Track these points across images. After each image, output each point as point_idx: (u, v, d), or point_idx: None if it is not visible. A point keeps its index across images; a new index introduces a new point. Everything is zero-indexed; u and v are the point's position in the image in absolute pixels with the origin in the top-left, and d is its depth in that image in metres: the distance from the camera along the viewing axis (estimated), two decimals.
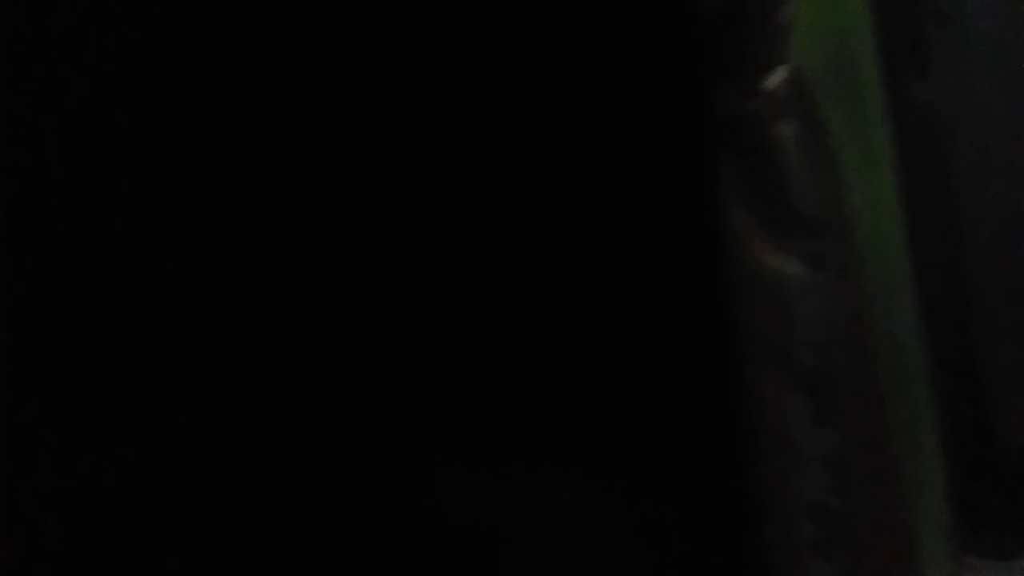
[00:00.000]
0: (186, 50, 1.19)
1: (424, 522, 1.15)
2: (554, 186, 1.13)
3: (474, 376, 1.14)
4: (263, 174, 1.18)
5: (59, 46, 1.20)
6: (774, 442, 1.11)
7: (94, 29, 1.19)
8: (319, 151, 1.18)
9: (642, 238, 1.12)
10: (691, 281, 1.12)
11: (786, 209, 1.11)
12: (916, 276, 1.69)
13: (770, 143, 1.11)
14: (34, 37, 1.20)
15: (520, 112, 1.13)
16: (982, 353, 1.91)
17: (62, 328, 1.21)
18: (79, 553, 1.21)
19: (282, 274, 1.17)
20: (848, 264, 1.17)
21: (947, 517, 1.63)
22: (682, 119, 1.11)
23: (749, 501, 1.11)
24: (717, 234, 1.11)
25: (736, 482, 1.12)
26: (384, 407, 1.15)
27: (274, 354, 1.17)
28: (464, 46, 1.15)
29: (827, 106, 1.18)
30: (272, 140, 1.18)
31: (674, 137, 1.11)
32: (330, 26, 1.17)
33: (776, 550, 1.11)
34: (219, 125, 1.19)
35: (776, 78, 1.11)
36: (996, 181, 1.91)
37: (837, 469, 1.12)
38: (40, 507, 1.21)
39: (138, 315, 1.20)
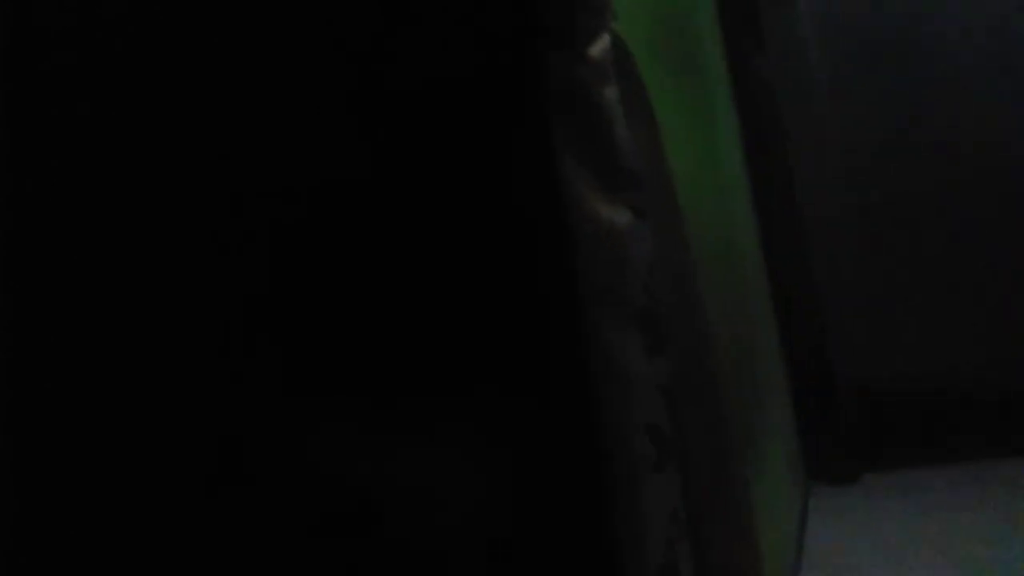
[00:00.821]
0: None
1: (314, 485, 1.20)
2: (408, 156, 1.20)
3: (346, 342, 1.21)
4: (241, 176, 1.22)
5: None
6: (613, 374, 1.19)
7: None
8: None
9: (489, 199, 1.19)
10: (533, 233, 1.19)
11: (613, 165, 1.19)
12: (760, 224, 1.80)
13: (597, 105, 1.18)
14: (34, 37, 1.21)
15: (375, 89, 1.20)
16: (822, 292, 2.04)
17: (58, 328, 1.22)
18: (74, 549, 1.23)
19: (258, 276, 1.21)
20: (669, 213, 1.26)
21: (791, 444, 1.73)
22: (519, 87, 1.18)
23: (594, 427, 1.19)
24: (555, 189, 1.18)
25: (582, 412, 1.19)
26: (280, 379, 1.21)
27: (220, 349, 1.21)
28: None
29: (651, 71, 1.27)
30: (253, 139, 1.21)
31: (512, 104, 1.18)
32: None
33: (619, 469, 1.18)
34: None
35: (600, 45, 1.20)
36: (828, 142, 2.04)
37: (669, 395, 1.20)
38: (39, 507, 1.23)
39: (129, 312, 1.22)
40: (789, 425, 1.81)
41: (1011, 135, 2.18)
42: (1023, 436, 2.24)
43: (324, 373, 1.21)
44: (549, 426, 1.20)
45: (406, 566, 1.20)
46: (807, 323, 2.00)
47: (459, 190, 1.21)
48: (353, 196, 1.20)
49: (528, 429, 1.20)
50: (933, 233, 2.17)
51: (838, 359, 2.05)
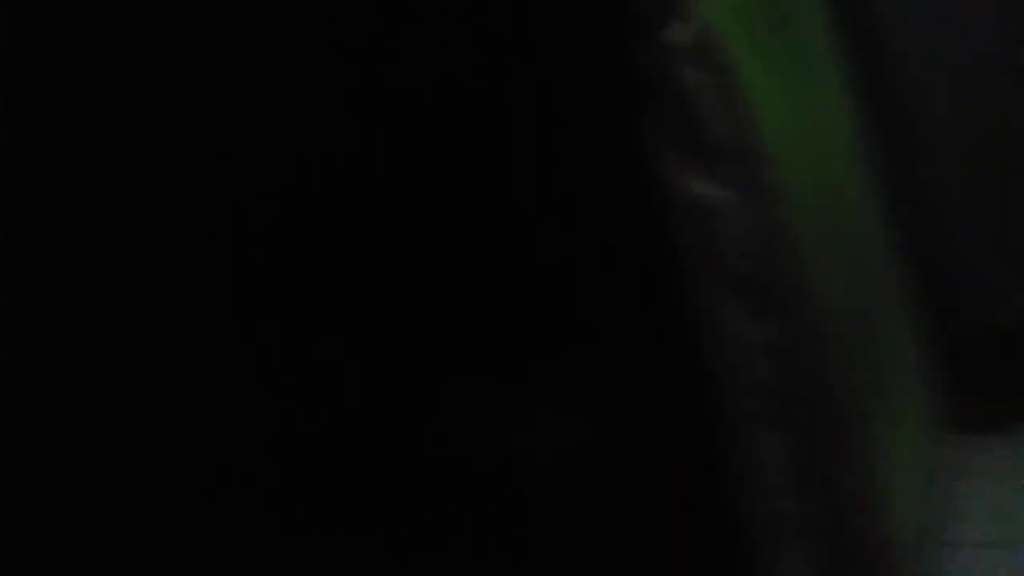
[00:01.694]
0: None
1: (450, 457, 1.24)
2: (510, 142, 1.23)
3: (463, 321, 1.25)
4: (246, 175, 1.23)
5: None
6: (721, 337, 1.22)
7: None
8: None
9: (586, 182, 1.23)
10: (626, 210, 1.22)
11: (705, 144, 1.23)
12: (877, 178, 1.78)
13: (684, 88, 1.22)
14: (34, 37, 1.23)
15: (461, 77, 1.23)
16: (948, 232, 2.01)
17: (57, 327, 1.25)
18: (75, 549, 1.26)
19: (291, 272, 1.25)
20: (765, 184, 1.28)
21: (925, 394, 1.72)
22: (609, 73, 1.21)
23: (704, 389, 1.22)
24: (647, 167, 1.20)
25: (694, 374, 1.22)
26: (411, 359, 1.26)
27: (280, 346, 1.24)
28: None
29: (737, 53, 1.29)
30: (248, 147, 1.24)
31: (602, 89, 1.22)
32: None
33: (731, 425, 1.21)
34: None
35: (686, 31, 1.22)
36: (946, 90, 2.01)
37: (776, 355, 1.23)
38: (39, 507, 1.25)
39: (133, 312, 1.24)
40: (923, 375, 1.80)
41: None
42: None
43: (456, 353, 1.25)
44: (663, 390, 1.23)
45: (549, 531, 1.24)
46: (933, 266, 1.99)
47: (559, 177, 1.25)
48: (448, 182, 1.24)
49: (644, 395, 1.23)
50: None
51: (968, 303, 2.02)
